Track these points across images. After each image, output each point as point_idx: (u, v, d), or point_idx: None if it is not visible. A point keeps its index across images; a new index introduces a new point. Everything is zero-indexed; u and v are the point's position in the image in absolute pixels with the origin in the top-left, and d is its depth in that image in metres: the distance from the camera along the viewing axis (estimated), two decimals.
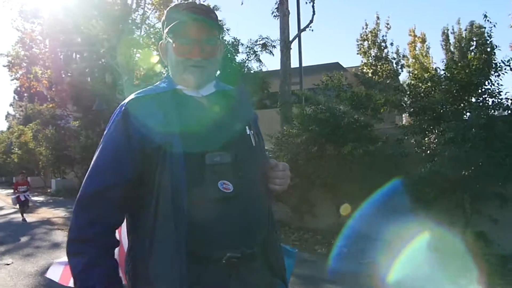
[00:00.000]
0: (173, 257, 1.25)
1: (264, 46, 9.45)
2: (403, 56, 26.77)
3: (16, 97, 50.99)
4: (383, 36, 26.36)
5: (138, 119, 1.33)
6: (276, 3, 12.58)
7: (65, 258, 1.41)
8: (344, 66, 21.93)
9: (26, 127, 26.64)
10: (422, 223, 6.56)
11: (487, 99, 5.80)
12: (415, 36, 27.81)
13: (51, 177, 23.93)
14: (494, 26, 6.23)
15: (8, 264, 5.98)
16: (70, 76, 23.43)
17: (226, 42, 9.17)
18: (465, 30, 25.16)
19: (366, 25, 26.47)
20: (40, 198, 18.49)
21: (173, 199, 1.26)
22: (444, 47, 26.83)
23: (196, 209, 1.28)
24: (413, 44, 27.61)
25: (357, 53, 27.44)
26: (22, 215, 10.78)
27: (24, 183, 11.28)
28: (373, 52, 25.76)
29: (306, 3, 12.33)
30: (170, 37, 1.41)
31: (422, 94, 6.00)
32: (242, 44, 9.40)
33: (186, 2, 1.27)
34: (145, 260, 1.29)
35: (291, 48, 12.34)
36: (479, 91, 5.68)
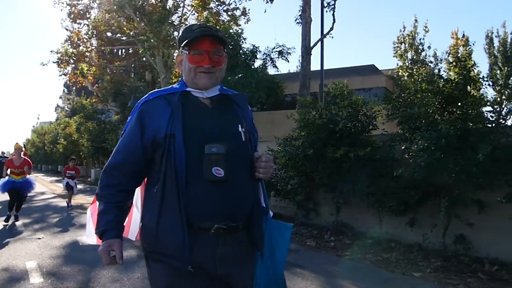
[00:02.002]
0: (177, 221, 1.60)
1: (281, 53, 10.09)
2: (440, 60, 26.39)
3: (65, 90, 53.79)
4: (420, 39, 26.18)
5: (150, 116, 1.72)
6: (299, 11, 13.22)
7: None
8: (380, 69, 22.07)
9: (71, 119, 28.42)
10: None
11: (468, 111, 6.22)
12: (457, 39, 27.33)
13: (91, 167, 25.56)
14: None
15: (39, 239, 7.00)
16: (113, 73, 24.87)
17: (246, 49, 9.88)
18: (511, 33, 24.58)
19: (404, 27, 26.19)
20: (80, 186, 19.91)
21: (176, 179, 1.61)
22: (487, 51, 26.23)
23: (193, 188, 1.62)
24: (455, 47, 27.14)
25: (393, 56, 27.43)
26: (69, 200, 11.23)
27: (73, 169, 11.50)
28: (410, 55, 25.65)
29: (327, 11, 12.83)
30: (186, 49, 1.75)
31: (404, 104, 6.50)
32: (260, 51, 10.04)
33: (198, 23, 1.84)
34: (155, 222, 1.65)
35: (311, 54, 12.94)
36: (459, 104, 6.12)
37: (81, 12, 22.83)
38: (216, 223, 1.63)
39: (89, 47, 25.16)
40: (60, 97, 56.83)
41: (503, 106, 25.41)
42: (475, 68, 6.21)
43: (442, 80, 6.28)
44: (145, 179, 1.83)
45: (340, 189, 7.92)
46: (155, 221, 1.64)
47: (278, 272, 1.84)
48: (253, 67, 10.10)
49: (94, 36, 24.01)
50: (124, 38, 23.14)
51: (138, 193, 1.96)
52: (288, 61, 10.27)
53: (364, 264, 5.62)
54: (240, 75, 9.32)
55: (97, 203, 1.79)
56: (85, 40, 24.68)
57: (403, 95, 6.72)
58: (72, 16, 22.68)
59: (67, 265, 5.27)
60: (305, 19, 12.85)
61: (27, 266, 5.20)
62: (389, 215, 7.26)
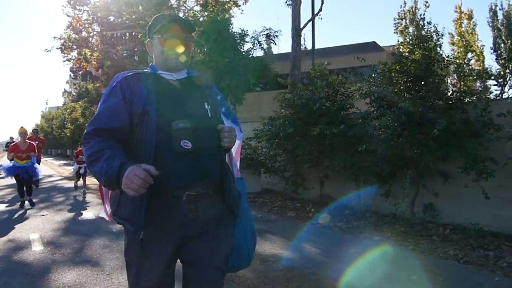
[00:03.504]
0: None
1: (268, 36, 10.52)
2: (442, 35, 26.16)
3: (71, 75, 54.26)
4: (421, 15, 26.10)
5: (131, 90, 1.83)
6: None
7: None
8: (381, 45, 22.19)
9: (77, 104, 29.09)
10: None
11: (433, 89, 6.66)
12: (461, 12, 27.14)
13: None
14: None
15: (43, 215, 7.67)
16: (116, 57, 25.32)
17: (234, 33, 10.31)
18: None
19: (405, 3, 25.99)
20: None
21: (144, 151, 1.75)
22: (491, 25, 26.10)
23: (164, 159, 1.74)
24: (459, 21, 27.03)
25: (394, 32, 27.40)
26: (76, 184, 11.42)
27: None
28: (410, 30, 25.61)
29: None
30: (158, 34, 1.91)
31: (374, 84, 6.97)
32: (248, 35, 10.48)
33: (169, 13, 2.19)
34: (118, 194, 1.80)
35: (301, 36, 13.31)
36: (422, 82, 6.58)
37: None
38: (186, 191, 1.78)
39: (91, 32, 25.63)
40: (67, 82, 57.41)
41: (507, 79, 25.56)
42: (437, 48, 6.61)
43: (407, 60, 6.70)
44: None
45: (321, 164, 8.48)
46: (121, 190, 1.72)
47: (250, 224, 2.08)
48: (242, 50, 10.51)
49: (94, 21, 24.44)
50: (127, 22, 23.53)
51: None
52: (276, 44, 10.77)
53: (333, 230, 6.19)
54: (227, 60, 9.77)
55: (95, 155, 1.75)
56: (86, 26, 25.11)
57: (373, 75, 7.17)
58: (72, 2, 23.07)
59: (66, 236, 5.93)
60: (294, 1, 13.17)
61: (31, 237, 5.86)
62: (367, 188, 7.80)
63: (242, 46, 10.33)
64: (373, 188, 7.73)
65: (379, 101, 7.03)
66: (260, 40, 10.46)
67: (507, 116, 5.31)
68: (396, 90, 6.70)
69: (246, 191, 2.11)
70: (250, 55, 10.32)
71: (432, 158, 6.31)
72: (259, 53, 11.75)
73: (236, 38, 10.17)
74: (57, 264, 4.55)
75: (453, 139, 6.01)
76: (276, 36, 10.51)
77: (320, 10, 13.23)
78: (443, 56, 6.61)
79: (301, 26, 13.30)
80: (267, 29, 10.47)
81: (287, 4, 13.54)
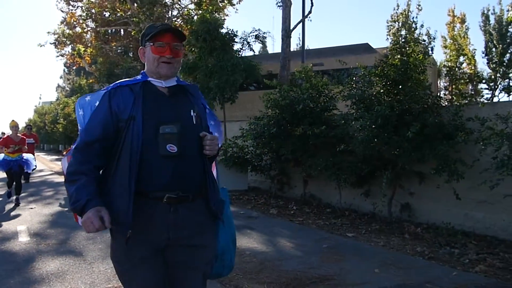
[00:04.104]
0: (124, 191, 1.80)
1: (257, 37, 10.76)
2: (434, 38, 26.44)
3: (65, 70, 54.20)
4: (413, 18, 26.41)
5: (117, 100, 1.92)
6: None
7: None
8: (374, 47, 22.49)
9: (70, 99, 29.14)
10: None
11: (410, 93, 6.91)
12: (454, 16, 27.44)
13: None
14: None
15: (32, 208, 7.86)
16: (109, 54, 25.44)
17: (223, 34, 10.53)
18: (507, 11, 24.75)
19: (398, 5, 26.16)
20: None
21: (131, 153, 1.82)
22: (483, 29, 26.42)
23: (149, 162, 1.83)
24: (451, 25, 27.34)
25: (387, 34, 27.70)
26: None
27: None
28: (403, 33, 25.89)
29: None
30: (150, 41, 1.97)
31: (355, 87, 7.22)
32: (237, 36, 10.70)
33: (160, 22, 2.33)
34: (108, 189, 1.86)
35: (291, 37, 13.57)
36: (400, 87, 6.83)
37: None
38: (167, 193, 1.85)
39: (85, 28, 25.72)
40: (61, 77, 57.32)
41: (498, 83, 25.95)
42: (415, 54, 6.86)
43: (386, 64, 6.95)
44: None
45: (303, 164, 8.72)
46: (108, 189, 1.87)
47: (232, 231, 2.15)
48: (231, 50, 10.72)
49: (88, 17, 24.52)
50: (121, 18, 23.65)
51: None
52: (265, 45, 10.98)
53: (310, 227, 6.44)
54: (216, 59, 9.98)
55: (72, 177, 1.86)
56: (80, 22, 25.20)
57: (354, 78, 7.41)
58: None
59: (52, 228, 6.13)
60: (285, 2, 13.41)
61: (18, 229, 6.06)
62: (348, 187, 8.05)
63: (231, 46, 10.52)
64: (353, 187, 8.00)
65: (358, 103, 7.28)
66: (249, 41, 10.64)
67: (475, 121, 5.57)
68: (375, 93, 6.94)
69: (228, 200, 2.18)
70: (239, 55, 10.51)
71: (406, 160, 6.56)
72: (249, 53, 12.00)
73: (226, 39, 10.36)
74: (42, 254, 4.76)
75: (427, 141, 6.27)
76: (265, 37, 10.71)
77: (310, 12, 13.58)
78: (422, 60, 6.84)
79: (291, 28, 13.58)
80: (256, 30, 10.67)
81: (278, 6, 13.82)
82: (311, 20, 13.97)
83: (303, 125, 7.82)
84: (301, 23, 14.11)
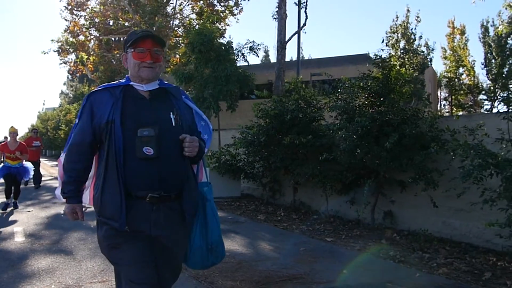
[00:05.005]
0: (116, 191, 1.93)
1: (251, 48, 11.14)
2: (433, 49, 26.70)
3: (69, 76, 54.73)
4: (412, 29, 26.77)
5: (97, 104, 2.04)
6: (276, 7, 14.19)
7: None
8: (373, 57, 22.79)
9: (72, 106, 29.57)
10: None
11: (392, 105, 7.23)
12: (454, 27, 27.78)
13: None
14: None
15: (29, 211, 8.20)
16: (111, 62, 25.87)
17: (218, 45, 10.91)
18: (508, 23, 25.07)
19: (397, 17, 26.60)
20: None
21: (115, 156, 1.94)
22: (482, 40, 26.73)
23: (129, 164, 1.95)
24: (451, 36, 27.68)
25: (386, 45, 28.06)
26: None
27: None
28: (402, 44, 26.25)
29: (301, 9, 13.79)
30: (131, 47, 2.07)
31: (340, 98, 7.55)
32: (232, 47, 11.09)
33: (141, 29, 2.47)
34: (100, 193, 2.00)
35: (285, 48, 13.95)
36: (381, 99, 7.16)
37: (79, 3, 23.76)
38: (149, 193, 1.94)
39: (88, 37, 26.19)
40: (64, 84, 57.87)
41: (497, 94, 26.21)
42: (396, 68, 7.19)
43: (368, 78, 7.28)
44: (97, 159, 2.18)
45: (292, 171, 9.03)
46: (100, 192, 2.01)
47: (210, 239, 2.19)
48: (226, 62, 11.06)
49: (92, 26, 24.99)
50: (123, 27, 24.10)
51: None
52: (258, 56, 11.45)
53: (293, 232, 6.73)
54: (211, 70, 10.35)
55: (63, 168, 2.22)
56: (83, 30, 25.67)
57: (339, 90, 7.74)
58: (69, 7, 23.65)
59: (46, 230, 6.46)
60: (280, 15, 13.81)
61: (14, 230, 6.39)
62: (335, 195, 8.34)
63: (226, 58, 10.89)
64: (339, 195, 8.29)
65: (343, 114, 7.61)
66: (243, 52, 11.02)
67: (446, 132, 5.88)
68: (358, 105, 7.26)
69: (211, 194, 2.26)
70: (234, 66, 10.88)
71: (385, 169, 6.86)
72: (247, 63, 12.34)
73: (221, 50, 10.74)
74: (35, 253, 5.08)
75: (405, 151, 6.57)
76: (259, 49, 11.10)
77: (305, 24, 13.94)
78: (403, 74, 7.17)
79: (286, 39, 13.97)
80: (250, 42, 11.05)
81: (274, 18, 14.21)
82: (305, 32, 14.33)
83: (291, 135, 8.13)
84: (296, 35, 14.50)
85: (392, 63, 7.19)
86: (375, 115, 6.88)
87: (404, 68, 7.34)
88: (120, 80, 2.16)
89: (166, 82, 2.22)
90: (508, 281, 4.37)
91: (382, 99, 7.16)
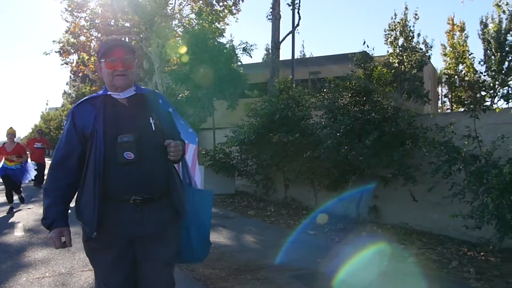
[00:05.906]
0: (91, 199, 1.99)
1: (245, 49, 11.46)
2: (431, 47, 26.75)
3: (71, 76, 55.12)
4: (410, 27, 26.91)
5: (80, 117, 2.08)
6: (270, 8, 14.49)
7: None
8: (372, 55, 23.05)
9: None
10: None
11: (375, 104, 7.54)
12: (453, 24, 27.92)
13: None
14: None
15: (29, 209, 8.57)
16: None
17: (212, 46, 11.22)
18: (506, 19, 25.22)
19: (395, 15, 26.76)
20: None
21: (94, 164, 1.99)
22: (481, 37, 26.87)
23: (112, 169, 2.00)
24: (451, 33, 27.83)
25: (384, 43, 28.19)
26: None
27: None
28: (400, 42, 26.40)
29: (292, 10, 14.09)
30: (103, 58, 2.10)
31: (325, 98, 7.88)
32: (226, 48, 11.41)
33: (111, 38, 2.60)
34: (79, 197, 2.07)
35: (279, 48, 14.27)
36: (364, 98, 7.48)
37: (79, 4, 24.10)
38: (133, 195, 2.01)
39: (89, 37, 26.50)
40: (67, 84, 58.26)
41: (496, 91, 26.37)
42: (376, 69, 7.51)
43: (351, 78, 7.61)
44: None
45: (282, 169, 9.36)
46: (79, 196, 2.07)
47: (202, 232, 2.34)
48: (219, 63, 11.34)
49: (92, 27, 25.30)
50: (125, 26, 24.40)
51: None
52: (251, 57, 11.79)
53: (278, 226, 7.06)
54: (205, 71, 10.66)
55: (47, 194, 2.08)
56: (84, 31, 25.99)
57: (325, 90, 8.07)
58: (70, 9, 24.00)
59: None
60: (274, 16, 14.11)
61: (14, 225, 6.75)
62: (323, 191, 8.67)
63: (219, 59, 11.18)
64: (328, 191, 8.61)
65: (328, 113, 7.93)
66: (237, 53, 11.33)
67: (420, 130, 6.20)
68: (343, 104, 7.58)
69: (211, 200, 2.42)
70: (227, 67, 11.18)
71: (366, 165, 7.18)
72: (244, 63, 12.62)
73: (214, 51, 11.05)
74: (33, 246, 5.43)
75: (385, 148, 6.89)
76: (252, 49, 11.40)
77: (298, 25, 14.22)
78: (384, 74, 7.49)
79: (280, 40, 14.29)
80: (243, 43, 11.36)
81: (268, 19, 14.52)
82: (298, 33, 14.63)
83: (280, 133, 8.46)
84: (291, 35, 14.79)
85: (373, 65, 7.49)
86: (357, 114, 7.20)
87: (385, 69, 7.62)
88: (98, 92, 2.24)
89: (143, 87, 2.28)
90: (471, 269, 4.69)
91: (365, 98, 7.48)
